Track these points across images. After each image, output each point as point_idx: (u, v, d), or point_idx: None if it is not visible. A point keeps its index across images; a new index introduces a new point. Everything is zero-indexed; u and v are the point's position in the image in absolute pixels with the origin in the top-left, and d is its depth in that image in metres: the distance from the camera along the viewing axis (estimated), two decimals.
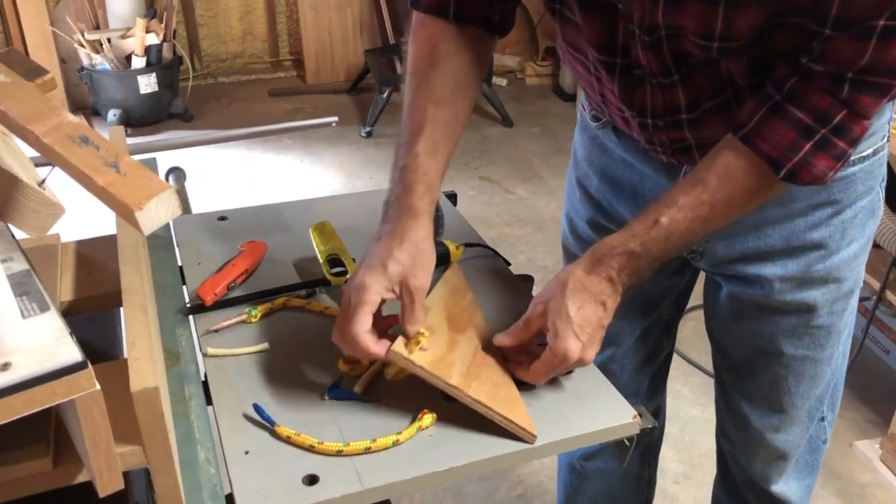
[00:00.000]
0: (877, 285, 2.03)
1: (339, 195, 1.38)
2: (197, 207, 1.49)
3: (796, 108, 0.81)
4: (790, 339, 1.10)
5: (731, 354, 1.20)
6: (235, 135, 1.38)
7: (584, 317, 0.86)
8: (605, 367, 1.27)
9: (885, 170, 1.06)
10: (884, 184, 1.07)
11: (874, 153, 1.01)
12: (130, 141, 3.55)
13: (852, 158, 0.98)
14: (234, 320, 1.00)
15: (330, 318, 1.01)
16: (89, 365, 0.53)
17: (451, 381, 0.83)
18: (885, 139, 1.02)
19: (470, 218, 3.53)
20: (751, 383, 1.18)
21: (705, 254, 1.09)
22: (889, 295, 2.01)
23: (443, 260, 1.11)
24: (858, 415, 2.16)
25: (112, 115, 3.84)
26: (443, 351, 0.88)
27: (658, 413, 1.45)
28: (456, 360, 0.87)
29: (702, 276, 1.21)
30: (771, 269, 1.05)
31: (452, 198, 1.37)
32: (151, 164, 1.36)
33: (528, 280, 1.19)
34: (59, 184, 0.82)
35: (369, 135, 3.91)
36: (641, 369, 1.34)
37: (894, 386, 2.10)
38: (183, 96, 4.14)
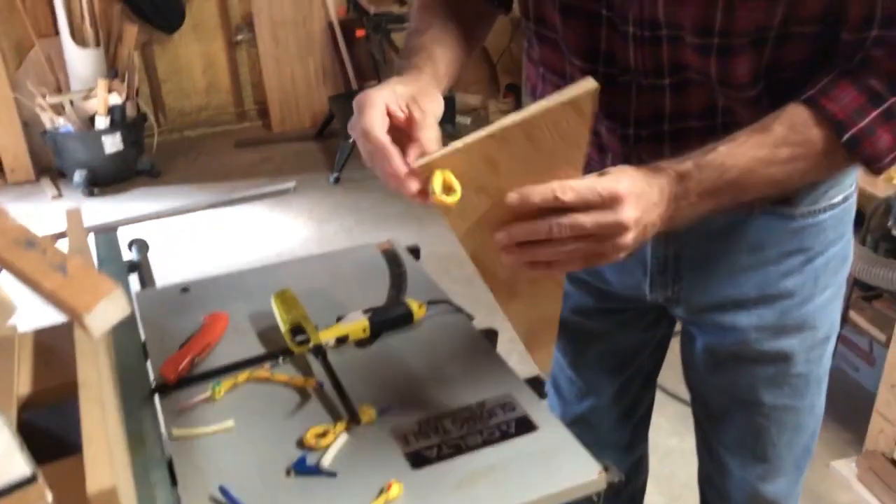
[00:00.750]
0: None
1: (302, 258, 1.38)
2: (165, 271, 1.49)
3: (869, 74, 0.79)
4: (769, 389, 1.09)
5: (710, 406, 1.18)
6: (193, 206, 1.39)
7: (644, 202, 0.75)
8: (584, 418, 1.30)
9: (853, 216, 1.06)
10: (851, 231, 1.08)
11: (844, 200, 1.02)
12: (91, 210, 3.53)
13: (823, 206, 0.99)
14: (198, 398, 1.00)
15: (294, 389, 1.01)
16: (39, 478, 0.53)
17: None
18: (853, 187, 1.03)
19: (441, 257, 3.51)
20: (733, 434, 1.17)
21: (681, 301, 1.08)
22: (852, 315, 2.05)
23: (403, 322, 1.12)
24: (833, 434, 2.18)
25: (78, 176, 3.83)
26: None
27: (640, 463, 1.43)
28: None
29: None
30: (746, 319, 1.05)
31: (415, 252, 1.38)
32: (112, 239, 1.36)
33: (492, 334, 1.20)
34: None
35: (337, 181, 3.93)
36: (622, 421, 1.32)
37: (866, 403, 2.12)
38: (149, 153, 4.14)
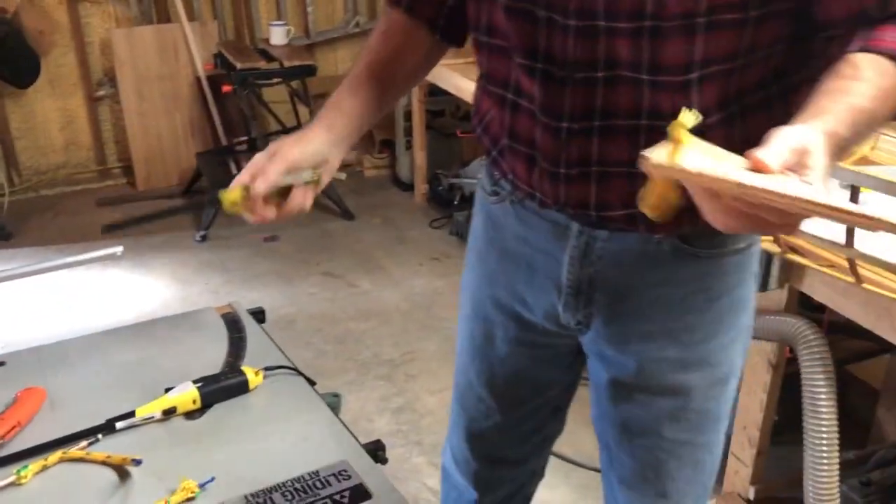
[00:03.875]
0: None
1: (135, 324, 1.31)
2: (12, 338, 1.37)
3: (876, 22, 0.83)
4: (669, 423, 1.13)
5: (614, 440, 1.21)
6: (11, 274, 1.30)
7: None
8: (486, 435, 1.32)
9: (756, 267, 1.12)
10: (757, 280, 1.14)
11: (747, 247, 1.07)
12: None
13: (727, 249, 1.05)
14: (1, 485, 0.91)
15: (113, 467, 0.94)
16: None
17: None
18: (757, 237, 1.10)
19: (312, 316, 3.44)
20: (635, 468, 1.19)
21: (591, 326, 1.12)
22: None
23: (238, 390, 1.07)
24: None
25: None
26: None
27: (535, 473, 1.43)
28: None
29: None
30: (650, 351, 1.09)
31: (259, 314, 1.33)
32: None
33: (335, 397, 1.16)
34: None
35: (204, 239, 3.80)
36: (523, 440, 1.34)
37: (725, 445, 2.18)
38: (0, 213, 3.90)
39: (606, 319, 1.10)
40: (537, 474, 1.45)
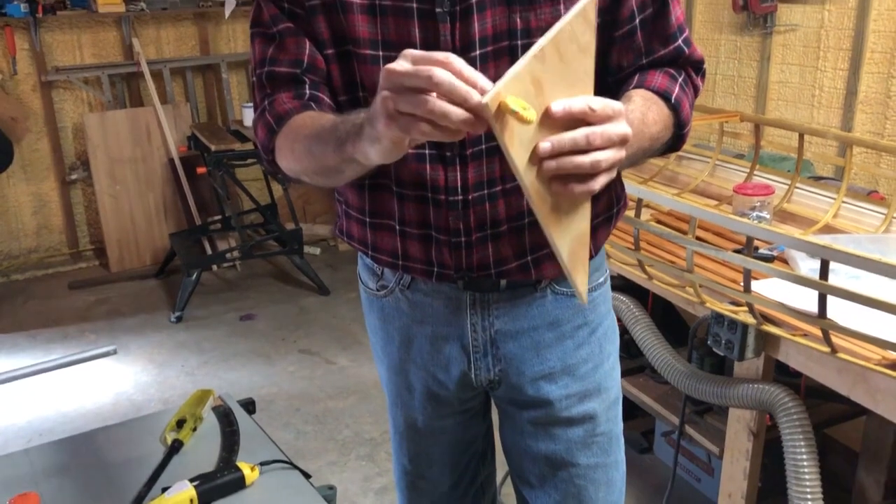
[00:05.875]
0: (676, 420, 2.16)
1: (128, 421, 1.30)
2: None
3: (656, 66, 1.09)
4: (582, 451, 1.24)
5: (533, 477, 1.30)
6: (7, 377, 1.29)
7: None
8: (419, 487, 1.39)
9: (611, 295, 1.29)
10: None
11: (604, 282, 1.25)
12: None
13: (593, 285, 1.21)
14: None
15: None
16: None
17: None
18: (608, 272, 1.27)
19: (291, 396, 3.41)
20: (559, 500, 1.28)
21: (502, 382, 1.22)
22: (688, 429, 2.14)
23: (234, 487, 1.07)
24: None
25: None
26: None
27: None
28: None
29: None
30: (555, 389, 1.21)
31: (249, 405, 1.33)
32: None
33: (330, 490, 1.16)
34: None
35: (179, 319, 3.78)
36: (456, 489, 1.41)
37: None
38: None
39: (514, 371, 1.21)
40: None
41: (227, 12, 4.45)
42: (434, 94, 0.74)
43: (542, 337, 1.19)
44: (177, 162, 4.36)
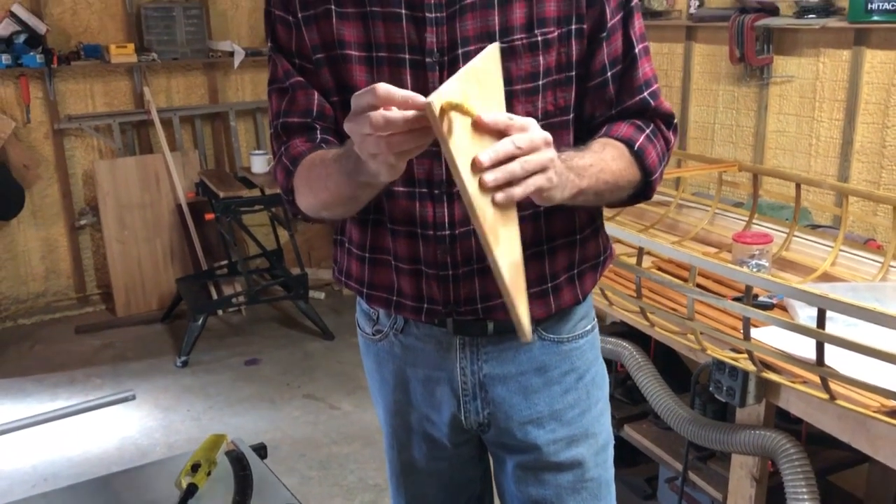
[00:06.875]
0: (679, 466, 2.17)
1: (140, 466, 1.33)
2: None
3: (624, 117, 1.16)
4: (572, 496, 1.27)
5: None
6: (15, 426, 1.32)
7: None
8: None
9: (599, 343, 1.32)
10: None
11: (592, 329, 1.28)
12: None
13: (580, 332, 1.25)
14: None
15: None
16: None
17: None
18: (595, 320, 1.30)
19: (296, 441, 3.42)
20: None
21: (491, 425, 1.25)
22: (691, 475, 2.15)
23: None
24: None
25: None
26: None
27: None
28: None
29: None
30: (543, 434, 1.24)
31: (261, 450, 1.36)
32: None
33: None
34: None
35: (185, 364, 3.80)
36: None
37: None
38: None
39: (502, 416, 1.24)
40: None
41: (237, 62, 4.55)
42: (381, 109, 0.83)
43: (529, 382, 1.23)
44: (185, 208, 4.42)
